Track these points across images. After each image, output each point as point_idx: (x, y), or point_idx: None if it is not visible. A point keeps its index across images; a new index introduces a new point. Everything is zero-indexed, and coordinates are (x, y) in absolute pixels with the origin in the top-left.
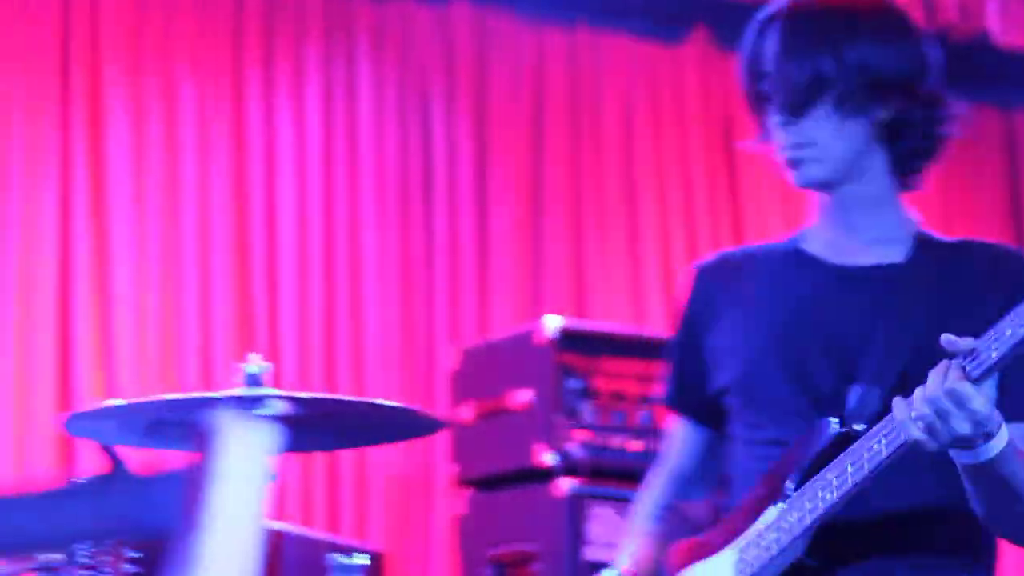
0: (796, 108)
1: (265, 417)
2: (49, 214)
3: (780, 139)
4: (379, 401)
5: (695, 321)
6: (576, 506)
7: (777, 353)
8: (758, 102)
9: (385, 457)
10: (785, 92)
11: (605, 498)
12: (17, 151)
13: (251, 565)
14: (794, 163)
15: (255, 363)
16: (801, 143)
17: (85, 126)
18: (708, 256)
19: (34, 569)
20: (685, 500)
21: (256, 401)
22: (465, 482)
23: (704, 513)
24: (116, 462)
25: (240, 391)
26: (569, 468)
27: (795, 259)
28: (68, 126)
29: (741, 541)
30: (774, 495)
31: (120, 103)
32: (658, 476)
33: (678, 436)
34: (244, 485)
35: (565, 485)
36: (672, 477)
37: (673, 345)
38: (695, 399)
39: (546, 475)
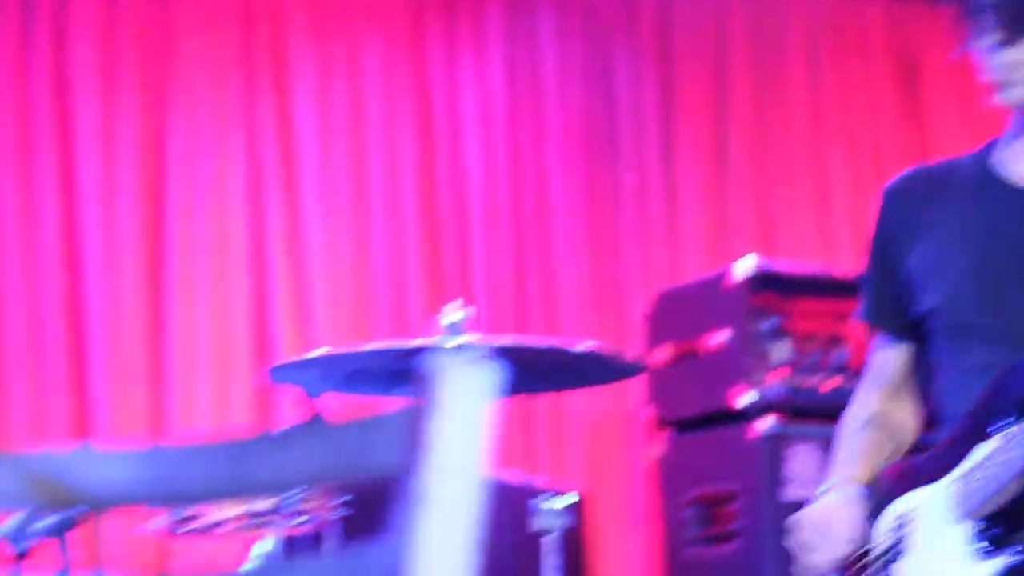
0: (1013, 30)
1: (488, 360)
2: (238, 175)
3: (993, 59)
4: (578, 345)
5: (891, 241)
6: (774, 446)
7: (976, 278)
8: (972, 20)
9: (581, 401)
10: (1004, 13)
11: (802, 437)
12: (205, 117)
13: (474, 509)
14: (1005, 84)
15: (455, 310)
16: (1015, 63)
17: (271, 89)
18: (897, 176)
19: (245, 516)
20: (892, 414)
21: (457, 348)
22: (663, 424)
23: (912, 426)
24: (317, 411)
25: (441, 338)
26: (766, 408)
27: (989, 180)
28: (254, 90)
29: (955, 474)
30: (981, 432)
31: (305, 64)
32: (864, 392)
33: (881, 352)
34: (467, 428)
35: (762, 425)
36: (878, 392)
37: (870, 264)
38: (897, 318)
39: (743, 416)
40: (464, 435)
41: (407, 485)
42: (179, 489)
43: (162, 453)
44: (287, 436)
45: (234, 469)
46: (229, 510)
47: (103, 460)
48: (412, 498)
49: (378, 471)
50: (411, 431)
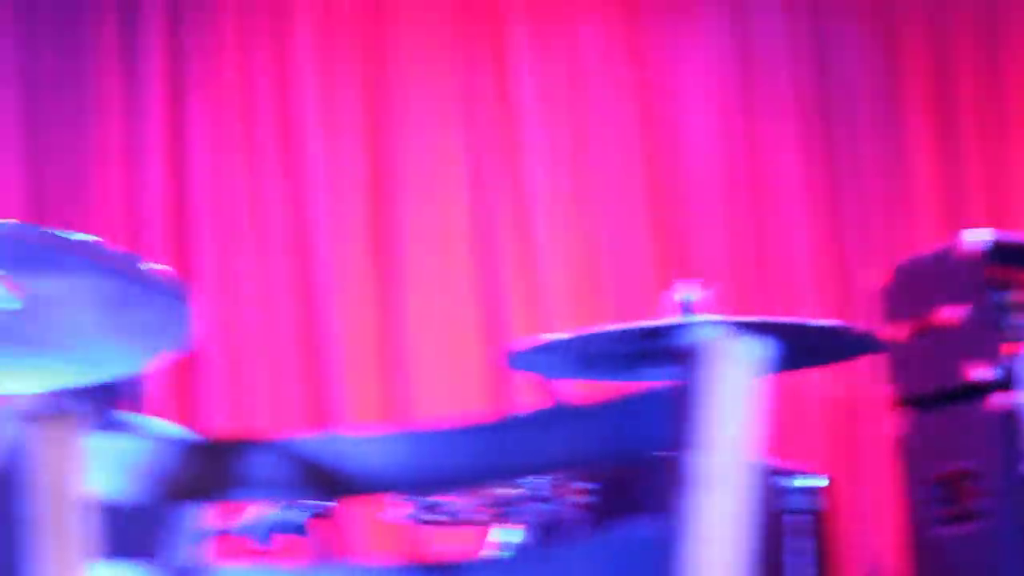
0: None
1: (754, 336)
2: (462, 160)
3: None
4: (820, 322)
5: None
6: (1013, 421)
7: None
8: None
9: (817, 379)
10: None
11: None
12: (426, 104)
13: (746, 488)
14: None
15: (687, 290)
16: None
17: (491, 72)
18: None
19: (491, 503)
20: None
21: (693, 327)
22: (902, 402)
23: None
24: (555, 395)
25: (676, 319)
26: (1005, 383)
27: None
28: (474, 73)
29: None
30: None
31: (524, 46)
32: None
33: None
34: (736, 405)
35: (1001, 400)
36: None
37: None
38: None
39: (982, 391)
40: (734, 413)
41: (676, 464)
42: (439, 473)
43: (421, 437)
44: (549, 417)
45: (497, 451)
46: (476, 497)
47: (362, 445)
48: (682, 478)
49: (643, 450)
50: (679, 409)
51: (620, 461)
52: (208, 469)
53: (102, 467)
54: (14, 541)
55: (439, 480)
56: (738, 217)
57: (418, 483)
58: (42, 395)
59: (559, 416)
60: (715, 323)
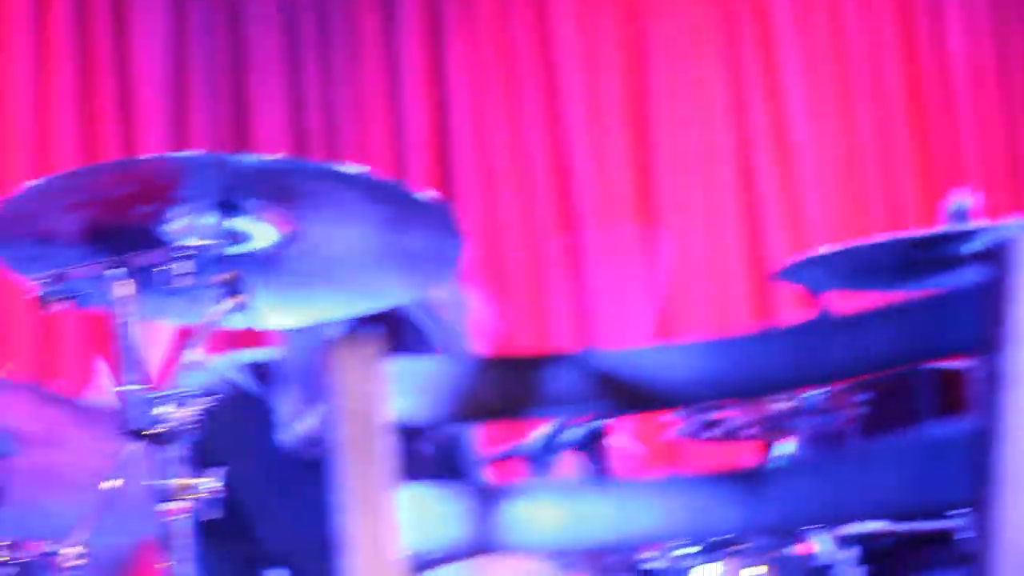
0: None
1: None
2: (720, 80)
3: None
4: None
5: None
6: None
7: None
8: None
9: None
10: None
11: None
12: (683, 25)
13: None
14: None
15: (961, 198)
16: None
17: None
18: None
19: (765, 420)
20: None
21: (966, 236)
22: None
23: None
24: (823, 307)
25: (948, 227)
26: None
27: None
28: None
29: None
30: None
31: None
32: None
33: None
34: None
35: None
36: None
37: None
38: None
39: None
40: None
41: (984, 364)
42: (718, 386)
43: (699, 349)
44: (858, 318)
45: (809, 354)
46: (752, 412)
47: (640, 358)
48: (992, 377)
49: (954, 350)
50: (986, 309)
51: (911, 365)
52: (504, 386)
53: (402, 390)
54: (323, 468)
55: (720, 392)
56: (994, 127)
57: (697, 396)
58: (341, 323)
59: (880, 314)
60: (1004, 226)
